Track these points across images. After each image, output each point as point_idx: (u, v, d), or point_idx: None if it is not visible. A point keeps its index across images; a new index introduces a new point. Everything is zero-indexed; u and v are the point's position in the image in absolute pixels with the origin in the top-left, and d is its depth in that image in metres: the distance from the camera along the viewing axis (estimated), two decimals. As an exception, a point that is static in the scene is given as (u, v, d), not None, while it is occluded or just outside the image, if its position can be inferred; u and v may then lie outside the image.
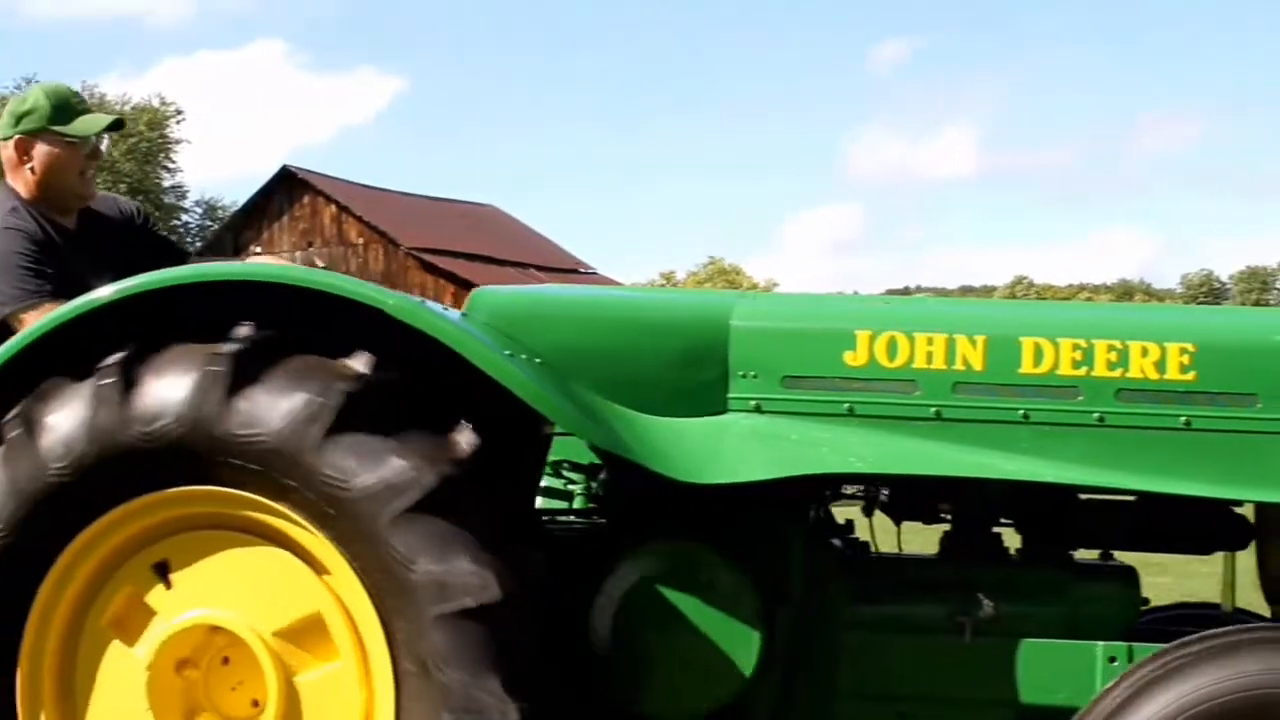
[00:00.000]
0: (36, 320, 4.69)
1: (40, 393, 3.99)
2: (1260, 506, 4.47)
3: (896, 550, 4.78)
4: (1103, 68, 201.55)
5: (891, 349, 4.27)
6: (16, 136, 5.35)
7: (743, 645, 4.19)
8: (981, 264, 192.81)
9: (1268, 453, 4.21)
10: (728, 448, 4.10)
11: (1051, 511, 4.50)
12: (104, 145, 5.55)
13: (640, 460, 4.00)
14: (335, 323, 3.97)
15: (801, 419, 4.23)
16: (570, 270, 54.24)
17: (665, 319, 4.42)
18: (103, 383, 3.91)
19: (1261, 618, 4.74)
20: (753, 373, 4.31)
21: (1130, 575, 4.57)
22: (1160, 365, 4.26)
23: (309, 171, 53.31)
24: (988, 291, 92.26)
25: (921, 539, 4.78)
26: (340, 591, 3.93)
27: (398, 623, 3.83)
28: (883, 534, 4.82)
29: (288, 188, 52.85)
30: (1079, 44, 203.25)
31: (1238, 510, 4.54)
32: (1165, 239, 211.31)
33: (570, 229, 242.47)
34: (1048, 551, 4.57)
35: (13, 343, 4.11)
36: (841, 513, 4.90)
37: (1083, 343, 4.27)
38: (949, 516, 4.62)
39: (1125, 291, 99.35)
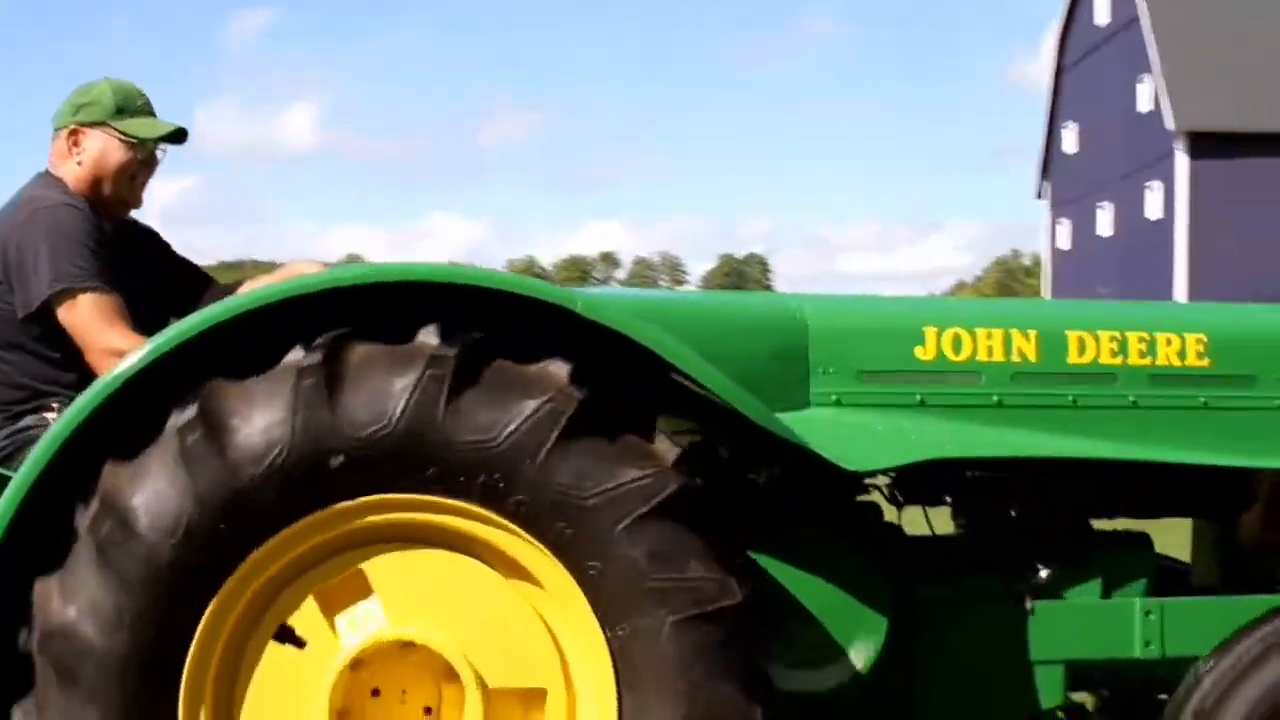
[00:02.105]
0: (95, 302, 4.68)
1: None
2: (1258, 474, 5.02)
3: (929, 532, 5.13)
4: (455, 59, 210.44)
5: (956, 344, 4.63)
6: (72, 125, 5.06)
7: (875, 625, 4.51)
8: (321, 241, 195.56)
9: (1269, 427, 4.85)
10: (856, 437, 4.34)
11: (1074, 486, 4.90)
12: (163, 155, 5.25)
13: (823, 453, 4.20)
14: (494, 323, 3.92)
15: (880, 410, 4.50)
16: None
17: (750, 318, 4.62)
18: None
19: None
20: (832, 368, 4.55)
21: (1145, 539, 5.05)
22: (1182, 353, 4.82)
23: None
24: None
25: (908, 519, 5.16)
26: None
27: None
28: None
29: None
30: (436, 31, 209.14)
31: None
32: (493, 226, 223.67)
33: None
34: (1068, 523, 4.98)
35: (180, 330, 3.81)
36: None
37: (1118, 335, 4.78)
38: (949, 499, 5.00)
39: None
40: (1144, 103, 51.75)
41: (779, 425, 4.12)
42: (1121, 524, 5.16)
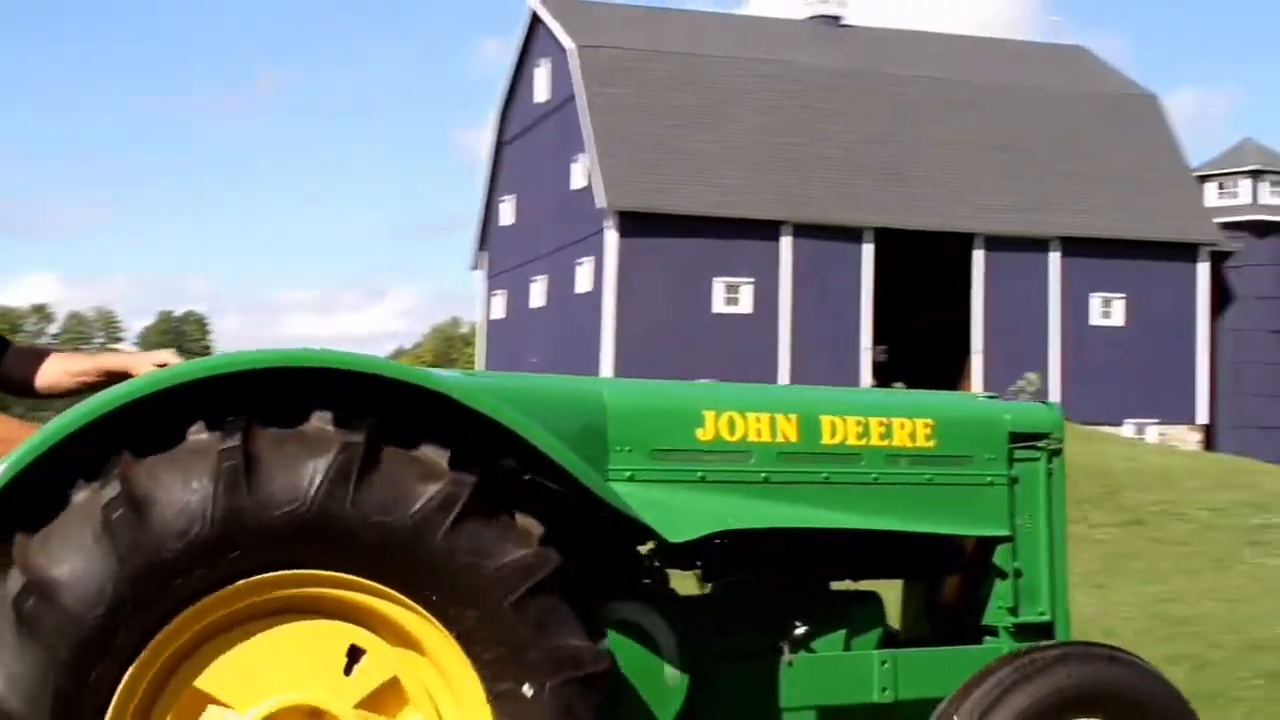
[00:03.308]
0: None
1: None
2: (964, 540, 5.60)
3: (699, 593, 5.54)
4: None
5: (731, 426, 5.07)
6: None
7: (679, 681, 4.87)
8: None
9: (979, 500, 5.49)
10: (660, 511, 4.70)
11: (815, 553, 5.35)
12: None
13: (650, 524, 4.61)
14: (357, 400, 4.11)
15: (668, 485, 4.90)
16: None
17: (557, 399, 4.88)
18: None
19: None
20: (627, 447, 4.90)
21: (877, 597, 5.54)
22: (913, 436, 5.39)
23: None
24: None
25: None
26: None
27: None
28: None
29: None
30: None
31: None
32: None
33: None
34: (816, 584, 5.48)
35: (76, 414, 3.88)
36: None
37: (863, 420, 5.31)
38: (700, 564, 5.33)
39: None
40: (578, 180, 53.73)
41: (620, 501, 4.49)
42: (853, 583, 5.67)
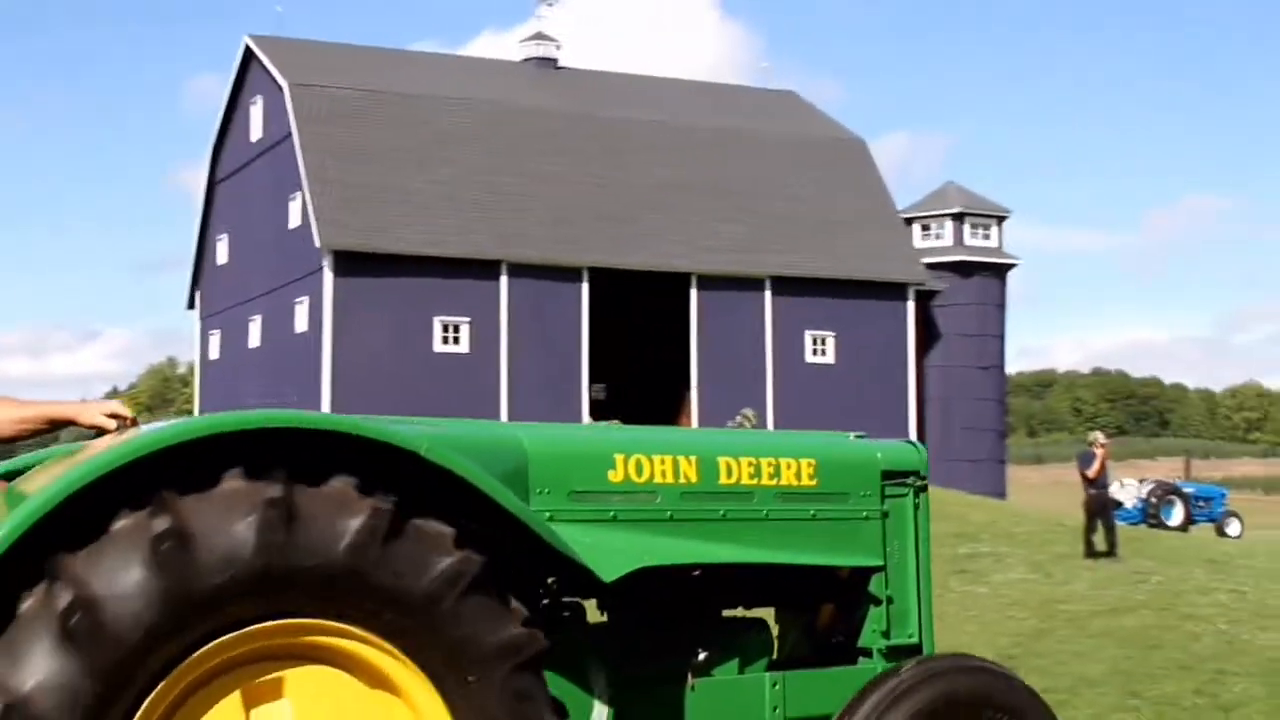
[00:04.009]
0: None
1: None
2: (839, 570, 5.98)
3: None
4: None
5: (639, 468, 5.35)
6: None
7: (606, 707, 5.28)
8: None
9: (855, 533, 5.89)
10: (588, 549, 4.93)
11: (708, 584, 5.73)
12: None
13: (586, 564, 4.87)
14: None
15: (585, 525, 5.14)
16: None
17: (482, 445, 5.00)
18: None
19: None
20: (547, 489, 5.15)
21: (765, 624, 5.93)
22: (798, 475, 5.74)
23: None
24: None
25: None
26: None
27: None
28: None
29: None
30: None
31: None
32: None
33: None
34: (706, 613, 5.80)
35: (121, 451, 4.07)
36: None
37: (754, 460, 5.65)
38: (601, 596, 5.61)
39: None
40: (294, 219, 53.24)
41: (564, 545, 4.76)
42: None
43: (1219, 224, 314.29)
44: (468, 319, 52.51)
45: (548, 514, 5.08)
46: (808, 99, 66.71)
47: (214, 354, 62.09)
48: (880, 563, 5.97)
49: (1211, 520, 47.58)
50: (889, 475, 6.06)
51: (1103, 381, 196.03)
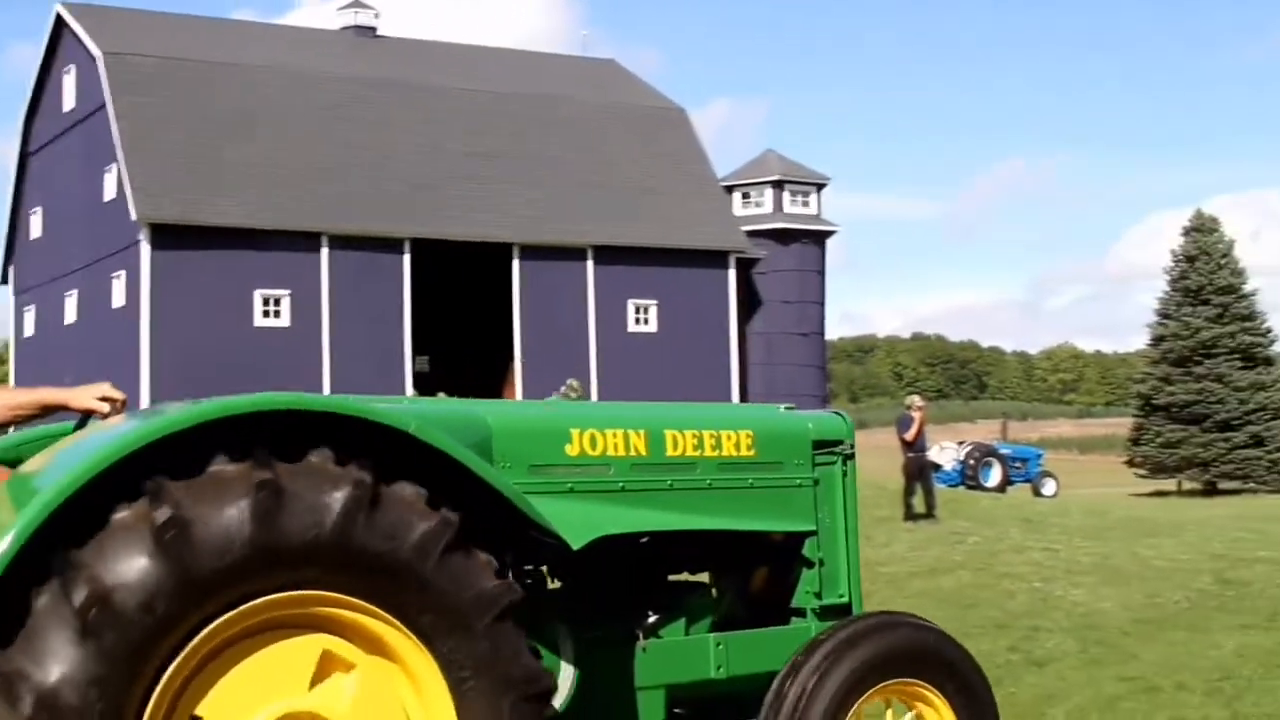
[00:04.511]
0: None
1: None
2: (773, 535, 6.29)
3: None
4: None
5: (593, 442, 5.63)
6: None
7: (572, 677, 5.54)
8: None
9: (792, 499, 6.24)
10: (554, 519, 5.17)
11: (655, 549, 6.07)
12: None
13: (559, 533, 5.17)
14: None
15: (545, 496, 5.34)
16: None
17: (451, 422, 5.17)
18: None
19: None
20: (509, 463, 5.37)
21: (708, 587, 6.33)
22: (738, 446, 6.07)
23: None
24: None
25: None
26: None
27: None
28: None
29: None
30: None
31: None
32: None
33: None
34: (653, 577, 6.16)
35: (121, 441, 4.26)
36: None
37: (698, 433, 5.96)
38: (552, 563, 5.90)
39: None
40: (109, 191, 52.36)
41: (534, 512, 5.02)
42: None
43: (1033, 189, 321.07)
44: (288, 292, 52.07)
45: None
46: (628, 67, 66.98)
47: (29, 330, 60.86)
48: (813, 527, 6.33)
49: (1028, 481, 48.88)
50: (819, 445, 6.42)
51: (922, 346, 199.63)
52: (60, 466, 4.30)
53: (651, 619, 5.91)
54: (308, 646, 4.51)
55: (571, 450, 5.59)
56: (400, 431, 4.64)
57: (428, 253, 54.13)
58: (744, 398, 59.45)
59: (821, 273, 65.97)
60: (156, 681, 4.18)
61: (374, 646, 4.59)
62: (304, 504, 4.33)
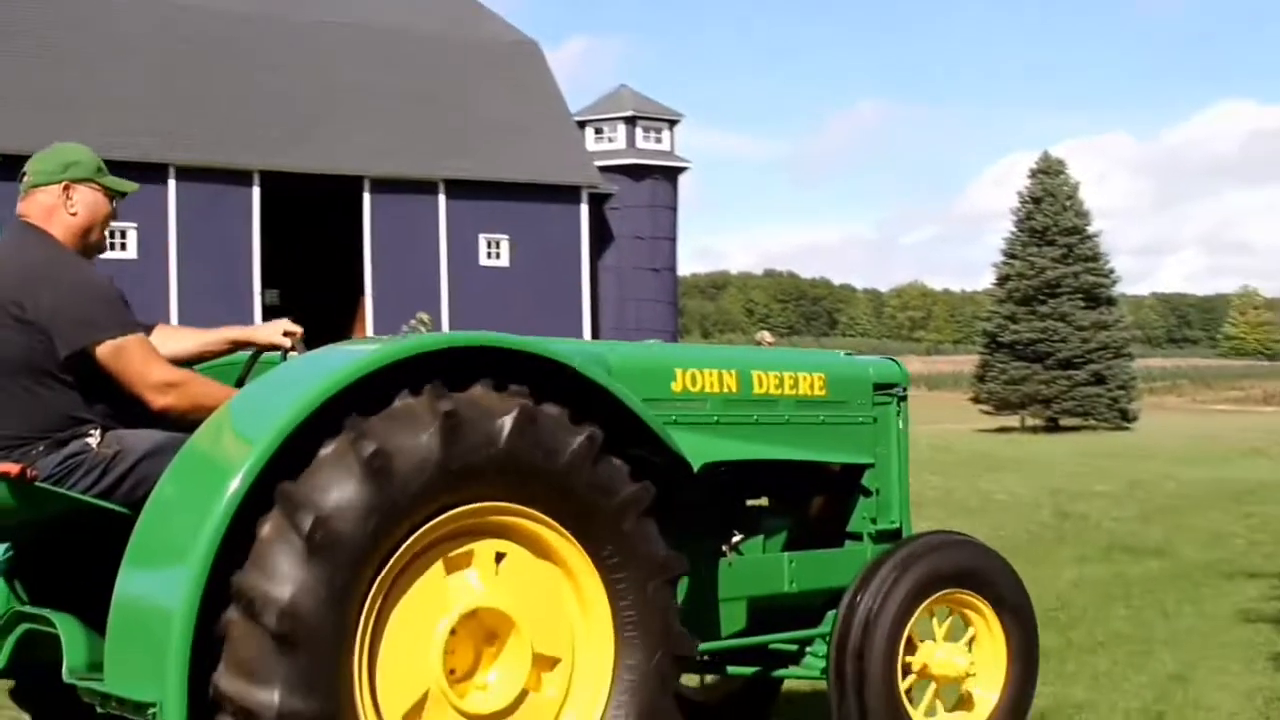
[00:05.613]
0: (139, 346, 5.38)
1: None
2: (833, 466, 6.91)
3: None
4: None
5: (693, 380, 6.26)
6: (65, 181, 5.65)
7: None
8: None
9: (856, 434, 6.93)
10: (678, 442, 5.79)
11: (738, 476, 6.64)
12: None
13: (688, 459, 5.77)
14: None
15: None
16: None
17: (584, 361, 5.55)
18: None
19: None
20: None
21: (780, 512, 6.90)
22: (812, 386, 6.76)
23: None
24: None
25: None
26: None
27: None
28: None
29: None
30: None
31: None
32: None
33: None
34: (736, 501, 6.76)
35: (335, 375, 4.81)
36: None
37: (779, 374, 6.62)
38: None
39: None
40: (-52, 121, 51.14)
41: (670, 439, 5.67)
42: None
43: (889, 132, 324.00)
44: (134, 224, 51.43)
45: None
46: (483, 1, 66.55)
47: None
48: (871, 460, 7.01)
49: (874, 416, 49.51)
50: (878, 387, 7.11)
51: (775, 282, 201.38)
52: (276, 406, 4.84)
53: (736, 538, 6.54)
54: (486, 550, 5.14)
55: (676, 387, 6.23)
56: (563, 365, 5.27)
57: (278, 185, 53.65)
58: (595, 333, 59.71)
59: (674, 209, 66.34)
60: (369, 589, 4.81)
61: (538, 548, 5.22)
62: (479, 429, 4.93)
